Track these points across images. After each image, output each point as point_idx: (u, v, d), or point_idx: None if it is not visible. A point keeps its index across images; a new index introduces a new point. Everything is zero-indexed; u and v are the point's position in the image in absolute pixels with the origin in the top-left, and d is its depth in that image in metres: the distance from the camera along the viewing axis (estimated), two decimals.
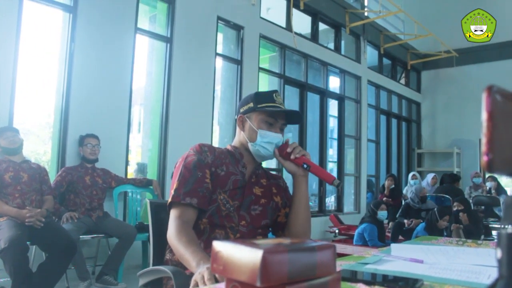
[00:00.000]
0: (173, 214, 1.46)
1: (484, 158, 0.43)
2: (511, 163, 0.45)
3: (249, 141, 1.58)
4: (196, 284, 1.13)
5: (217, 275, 1.10)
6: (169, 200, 1.48)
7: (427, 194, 6.60)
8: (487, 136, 0.43)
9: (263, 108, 1.55)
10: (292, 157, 1.53)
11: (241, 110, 1.62)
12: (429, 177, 8.14)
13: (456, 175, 7.82)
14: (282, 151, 1.55)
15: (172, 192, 1.48)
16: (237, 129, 1.64)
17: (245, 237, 1.49)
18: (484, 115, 0.44)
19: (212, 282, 1.09)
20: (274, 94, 1.59)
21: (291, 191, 1.66)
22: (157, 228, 1.66)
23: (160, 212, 1.68)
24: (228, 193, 1.53)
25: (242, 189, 1.56)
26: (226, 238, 1.48)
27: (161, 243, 1.60)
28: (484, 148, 0.43)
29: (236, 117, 1.64)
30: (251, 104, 1.58)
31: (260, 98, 1.58)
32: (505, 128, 0.44)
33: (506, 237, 0.48)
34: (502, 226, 0.48)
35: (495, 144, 0.43)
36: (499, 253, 0.48)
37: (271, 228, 1.66)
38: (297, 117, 1.63)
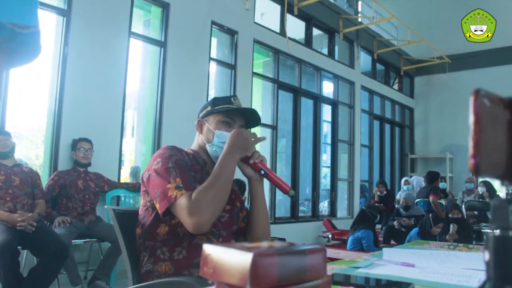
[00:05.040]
0: (182, 202, 1.34)
1: (471, 161, 0.44)
2: (498, 166, 0.46)
3: (206, 143, 1.57)
4: None
5: None
6: (181, 192, 1.35)
7: (419, 199, 6.63)
8: (474, 139, 0.44)
9: (219, 109, 1.56)
10: (251, 161, 1.51)
11: (200, 115, 1.63)
12: (402, 181, 8.05)
13: (434, 172, 7.14)
14: None
15: (180, 184, 1.37)
16: (196, 133, 1.64)
17: (226, 241, 1.47)
18: (471, 118, 0.44)
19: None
20: (232, 98, 1.60)
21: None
22: (127, 237, 1.52)
23: (125, 220, 1.56)
24: None
25: None
26: (208, 243, 1.43)
27: (133, 256, 1.51)
28: (471, 151, 0.44)
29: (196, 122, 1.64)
30: (209, 108, 1.59)
31: (218, 101, 1.59)
32: (492, 131, 0.45)
33: (494, 239, 0.48)
34: (490, 228, 0.48)
35: (482, 147, 0.44)
36: (487, 255, 0.48)
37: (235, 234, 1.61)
38: (255, 119, 1.61)
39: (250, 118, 1.61)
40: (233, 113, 1.57)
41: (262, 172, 1.51)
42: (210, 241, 1.43)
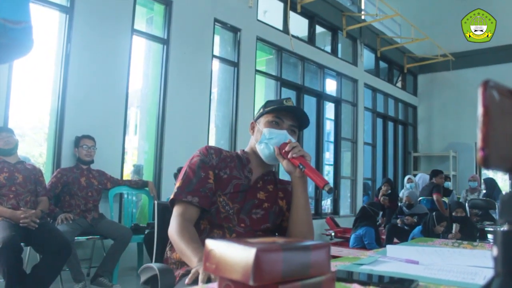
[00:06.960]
0: (175, 211, 1.49)
1: (480, 154, 0.42)
2: (507, 159, 0.45)
3: (256, 143, 1.59)
4: (196, 276, 1.16)
5: (212, 276, 1.11)
6: (171, 196, 1.51)
7: (422, 198, 6.61)
8: (483, 131, 0.43)
9: (268, 109, 1.58)
10: (289, 156, 1.49)
11: (254, 118, 1.67)
12: (405, 179, 8.00)
13: (437, 170, 7.23)
14: (281, 150, 1.52)
15: (175, 190, 1.51)
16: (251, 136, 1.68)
17: (241, 237, 1.49)
18: (480, 110, 0.43)
19: (204, 282, 1.11)
20: (284, 100, 1.61)
21: None
22: (162, 227, 1.69)
23: (166, 213, 1.70)
24: (228, 196, 1.53)
25: (244, 193, 1.56)
26: (223, 237, 1.48)
27: (164, 242, 1.64)
28: (480, 143, 0.43)
29: None
30: (261, 110, 1.63)
31: (270, 103, 1.62)
32: (501, 123, 0.44)
33: (502, 234, 0.47)
34: (499, 223, 0.47)
35: (491, 140, 0.43)
36: (495, 250, 0.47)
37: (277, 233, 1.65)
38: (304, 118, 1.60)
39: (300, 118, 1.60)
40: (282, 113, 1.57)
41: (300, 166, 1.47)
42: (225, 236, 1.50)
